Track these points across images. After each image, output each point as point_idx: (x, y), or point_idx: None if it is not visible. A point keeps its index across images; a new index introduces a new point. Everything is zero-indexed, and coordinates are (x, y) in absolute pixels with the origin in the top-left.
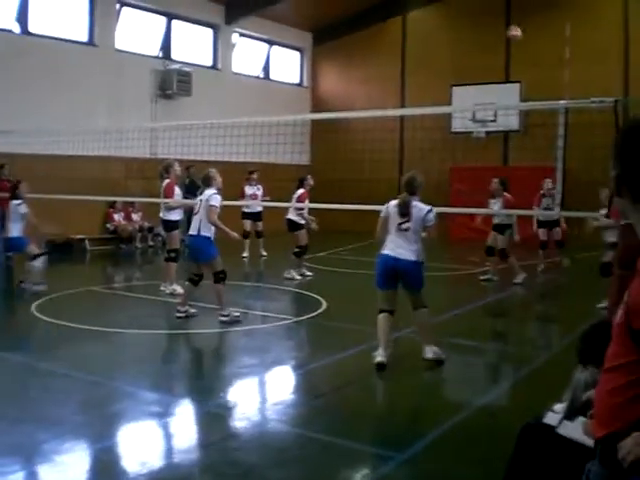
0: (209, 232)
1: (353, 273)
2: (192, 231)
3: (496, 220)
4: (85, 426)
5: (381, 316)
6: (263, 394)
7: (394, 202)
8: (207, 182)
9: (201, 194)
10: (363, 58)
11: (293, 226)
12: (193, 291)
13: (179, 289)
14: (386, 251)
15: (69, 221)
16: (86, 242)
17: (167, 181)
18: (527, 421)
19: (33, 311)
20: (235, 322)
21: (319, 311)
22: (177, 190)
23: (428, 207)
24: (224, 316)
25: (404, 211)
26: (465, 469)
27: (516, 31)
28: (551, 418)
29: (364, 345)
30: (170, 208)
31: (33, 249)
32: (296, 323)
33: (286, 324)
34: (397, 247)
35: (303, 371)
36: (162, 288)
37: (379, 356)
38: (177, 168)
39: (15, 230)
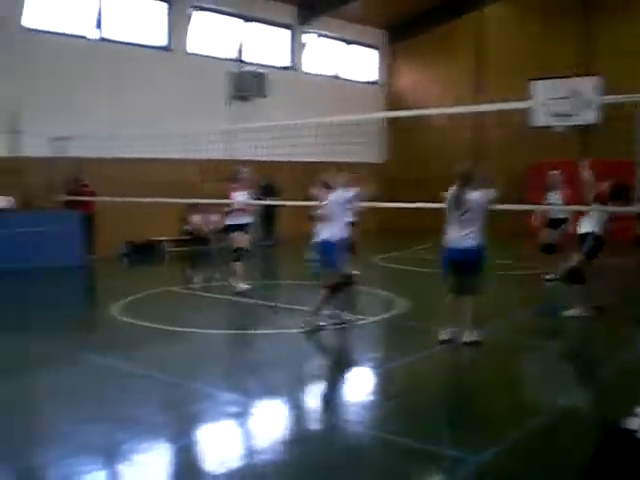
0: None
1: (430, 272)
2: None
3: (560, 215)
4: (164, 426)
5: (450, 295)
6: (339, 395)
7: (450, 192)
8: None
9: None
10: (438, 54)
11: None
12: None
13: (244, 287)
14: (449, 239)
15: (148, 223)
16: (164, 243)
17: (232, 185)
18: (608, 425)
19: (114, 312)
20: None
21: (396, 311)
22: (241, 194)
23: (482, 193)
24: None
25: (459, 201)
26: (542, 474)
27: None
28: (634, 422)
29: (440, 346)
30: (229, 212)
31: None
32: (372, 323)
33: (362, 324)
34: (456, 235)
35: (379, 372)
36: (233, 284)
37: (443, 334)
38: (244, 172)
39: None
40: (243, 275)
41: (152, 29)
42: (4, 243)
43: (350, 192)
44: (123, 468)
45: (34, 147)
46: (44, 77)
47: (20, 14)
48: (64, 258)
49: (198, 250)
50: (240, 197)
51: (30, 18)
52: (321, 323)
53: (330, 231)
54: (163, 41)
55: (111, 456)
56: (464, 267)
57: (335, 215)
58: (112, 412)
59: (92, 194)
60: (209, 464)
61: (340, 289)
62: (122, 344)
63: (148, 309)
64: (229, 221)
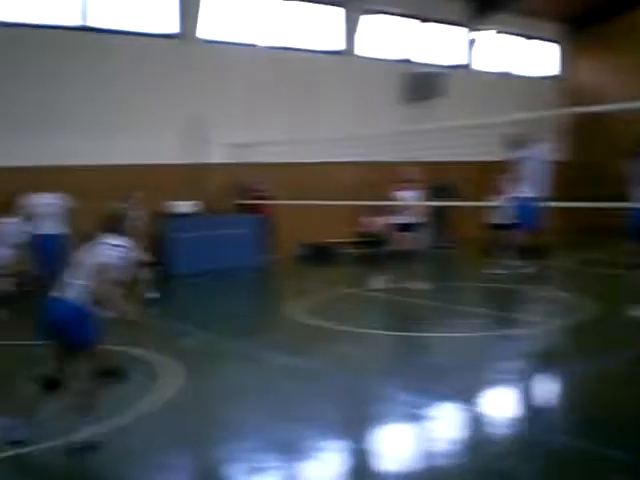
0: None
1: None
2: None
3: None
4: (344, 425)
5: None
6: (522, 400)
7: None
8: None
9: None
10: (622, 46)
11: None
12: None
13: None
14: None
15: (323, 226)
16: (340, 246)
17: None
18: None
19: (293, 313)
20: None
21: (583, 315)
22: (407, 193)
23: None
24: None
25: None
26: None
27: None
28: None
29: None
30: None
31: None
32: (558, 328)
33: (548, 329)
34: None
35: (561, 378)
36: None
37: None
38: (411, 174)
39: None
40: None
41: (328, 34)
42: (191, 246)
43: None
44: (304, 465)
45: (217, 154)
46: (223, 87)
47: (195, 27)
48: (243, 259)
49: (374, 252)
50: (406, 196)
51: (205, 30)
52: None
53: (527, 188)
54: (341, 46)
55: (293, 453)
56: None
57: (532, 172)
58: (295, 410)
59: (269, 198)
60: (387, 465)
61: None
62: (303, 344)
63: (326, 310)
64: (393, 220)
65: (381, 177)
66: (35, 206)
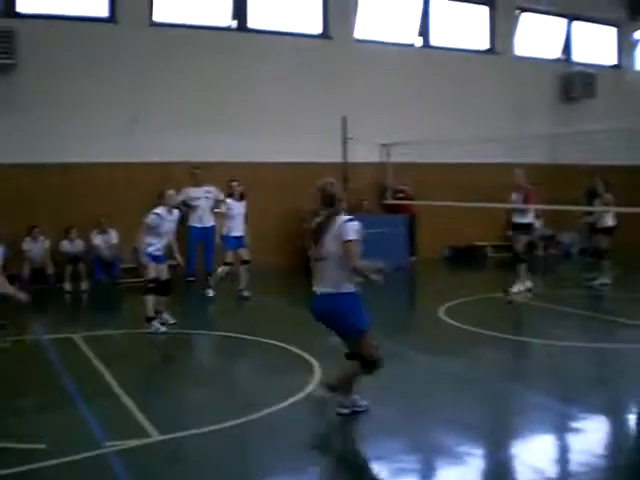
0: None
1: None
2: None
3: None
4: (492, 432)
5: None
6: None
7: None
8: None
9: None
10: None
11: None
12: None
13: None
14: None
15: (470, 227)
16: (487, 248)
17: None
18: None
19: (440, 314)
20: None
21: None
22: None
23: None
24: None
25: None
26: None
27: None
28: None
29: None
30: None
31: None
32: None
33: None
34: None
35: None
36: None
37: None
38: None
39: None
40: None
41: (478, 33)
42: None
43: None
44: (450, 469)
45: (363, 153)
46: (372, 86)
47: (343, 27)
48: (390, 259)
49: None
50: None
51: (361, 30)
52: None
53: None
54: (486, 45)
55: (440, 455)
56: None
57: None
58: (444, 413)
59: (412, 198)
60: (531, 476)
61: None
62: (449, 346)
63: (473, 313)
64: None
65: (532, 179)
66: (193, 199)
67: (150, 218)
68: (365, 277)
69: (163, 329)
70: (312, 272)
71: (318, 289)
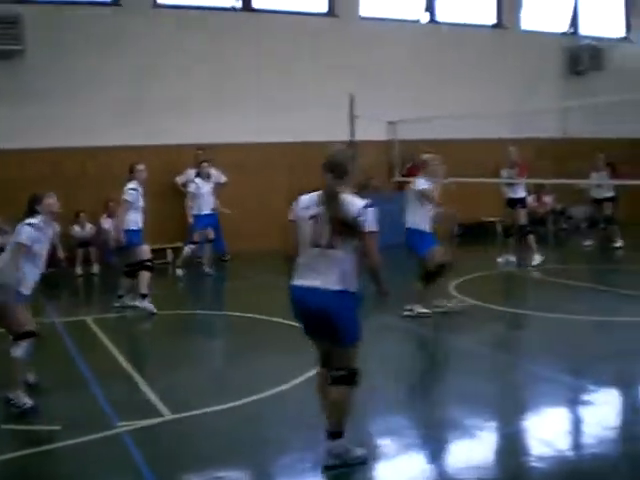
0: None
1: None
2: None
3: None
4: (503, 405)
5: None
6: None
7: None
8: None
9: None
10: None
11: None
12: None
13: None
14: None
15: (479, 204)
16: (497, 225)
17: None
18: None
19: (451, 290)
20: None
21: None
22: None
23: None
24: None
25: None
26: None
27: None
28: None
29: None
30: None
31: None
32: None
33: None
34: None
35: None
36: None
37: None
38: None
39: None
40: (535, 249)
41: (483, 8)
42: None
43: None
44: (459, 443)
45: (370, 131)
46: (378, 63)
47: (358, 5)
48: (397, 237)
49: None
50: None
51: (366, 8)
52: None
53: None
54: (493, 19)
55: (448, 431)
56: None
57: None
58: (453, 388)
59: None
60: (545, 449)
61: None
62: (462, 322)
63: (484, 289)
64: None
65: (542, 154)
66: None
67: (129, 194)
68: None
69: (152, 308)
70: (300, 259)
71: (311, 282)
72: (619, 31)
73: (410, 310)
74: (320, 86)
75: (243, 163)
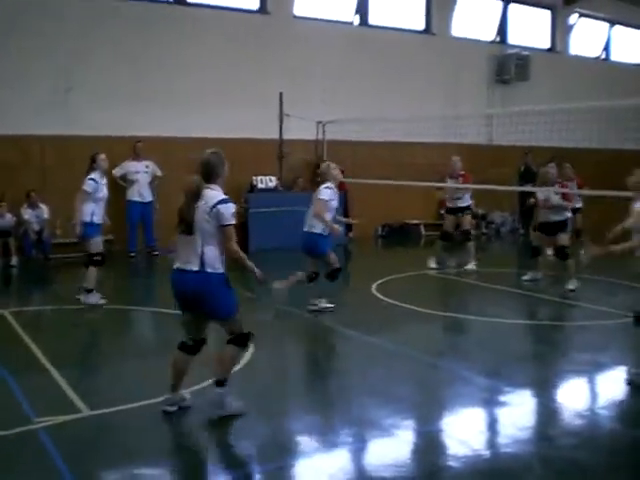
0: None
1: None
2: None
3: None
4: (421, 405)
5: None
6: (598, 392)
7: None
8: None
9: None
10: None
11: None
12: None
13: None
14: None
15: (404, 206)
16: (421, 227)
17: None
18: None
19: (373, 291)
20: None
21: None
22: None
23: None
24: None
25: None
26: None
27: None
28: None
29: None
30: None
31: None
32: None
33: (627, 322)
34: None
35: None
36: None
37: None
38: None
39: None
40: (473, 255)
41: (415, 14)
42: (270, 221)
43: None
44: (382, 441)
45: (298, 130)
46: (309, 63)
47: (283, 3)
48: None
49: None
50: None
51: (299, 7)
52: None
53: None
54: (425, 25)
55: (370, 429)
56: None
57: None
58: (375, 388)
59: (343, 174)
60: (462, 448)
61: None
62: (382, 322)
63: (405, 290)
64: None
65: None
66: (133, 173)
67: (87, 184)
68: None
69: (103, 301)
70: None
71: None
72: (545, 42)
73: (315, 305)
74: (251, 83)
75: (169, 158)
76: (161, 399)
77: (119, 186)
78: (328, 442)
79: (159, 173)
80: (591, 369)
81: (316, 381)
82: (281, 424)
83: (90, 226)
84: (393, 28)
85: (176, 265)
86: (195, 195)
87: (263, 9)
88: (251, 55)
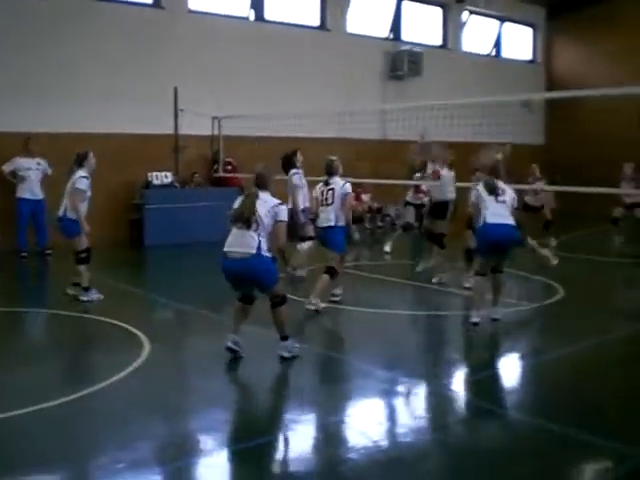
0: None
1: (593, 260)
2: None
3: None
4: (321, 399)
5: (479, 278)
6: (497, 382)
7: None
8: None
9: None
10: (604, 31)
11: None
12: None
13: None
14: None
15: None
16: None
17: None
18: None
19: None
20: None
21: (556, 298)
22: None
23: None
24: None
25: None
26: None
27: None
28: None
29: (608, 335)
30: None
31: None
32: (533, 310)
33: (522, 310)
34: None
35: (539, 361)
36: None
37: (474, 317)
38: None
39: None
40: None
41: (311, 10)
42: (167, 217)
43: None
44: (278, 437)
45: (194, 126)
46: (204, 57)
47: None
48: (219, 233)
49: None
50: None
51: (194, 1)
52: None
53: None
54: (320, 21)
55: (269, 424)
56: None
57: None
58: (274, 383)
59: (237, 170)
60: (362, 440)
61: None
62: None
63: (306, 285)
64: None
65: (361, 154)
66: (24, 169)
67: (83, 182)
68: None
69: (100, 296)
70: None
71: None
72: (437, 39)
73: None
74: (145, 78)
75: (67, 154)
76: (52, 404)
77: (8, 183)
78: (228, 438)
79: (50, 171)
80: (488, 358)
81: (212, 377)
82: (181, 422)
83: (75, 223)
84: (288, 24)
85: (231, 252)
86: (255, 197)
87: (157, 3)
88: (146, 49)
